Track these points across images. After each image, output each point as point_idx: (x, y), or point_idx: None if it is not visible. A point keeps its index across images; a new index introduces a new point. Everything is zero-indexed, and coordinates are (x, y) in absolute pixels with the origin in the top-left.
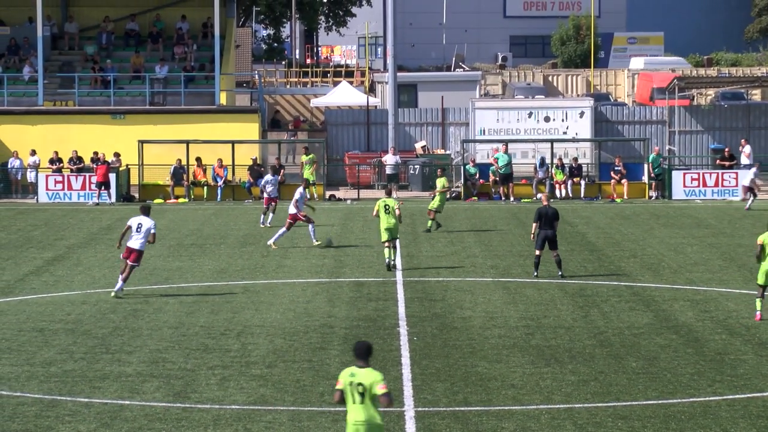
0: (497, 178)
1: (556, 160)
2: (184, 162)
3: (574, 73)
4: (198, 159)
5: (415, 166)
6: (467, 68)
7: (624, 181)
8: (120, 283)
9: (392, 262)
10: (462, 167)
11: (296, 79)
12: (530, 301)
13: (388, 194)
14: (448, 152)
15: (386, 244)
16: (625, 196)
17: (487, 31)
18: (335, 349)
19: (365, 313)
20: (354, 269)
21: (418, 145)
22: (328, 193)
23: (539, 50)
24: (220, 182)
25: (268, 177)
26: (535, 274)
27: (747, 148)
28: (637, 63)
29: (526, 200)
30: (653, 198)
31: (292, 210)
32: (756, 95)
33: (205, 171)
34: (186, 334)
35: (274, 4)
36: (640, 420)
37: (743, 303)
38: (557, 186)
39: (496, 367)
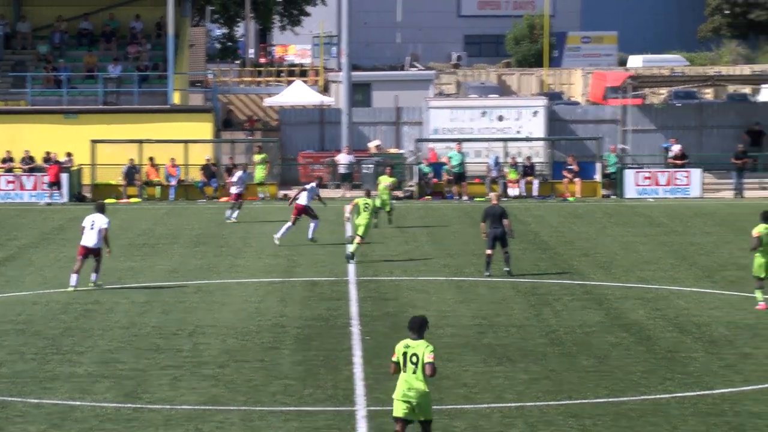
0: (451, 177)
1: (509, 159)
2: (137, 162)
3: (528, 72)
4: (151, 159)
5: (369, 166)
6: (421, 67)
7: (577, 179)
8: (74, 276)
9: (352, 255)
10: (416, 166)
11: (250, 79)
12: (483, 300)
13: (368, 195)
14: (402, 151)
15: (358, 240)
16: (578, 195)
17: (442, 30)
18: (287, 349)
19: (318, 313)
20: (307, 269)
21: (372, 144)
22: (281, 193)
23: (493, 49)
24: (173, 182)
25: (240, 173)
26: (487, 273)
27: (676, 147)
28: (635, 61)
29: (479, 199)
30: (606, 196)
31: (301, 201)
32: (708, 94)
33: (158, 170)
34: (138, 334)
35: (228, 3)
36: (591, 418)
37: (694, 301)
38: (510, 185)
39: (448, 366)
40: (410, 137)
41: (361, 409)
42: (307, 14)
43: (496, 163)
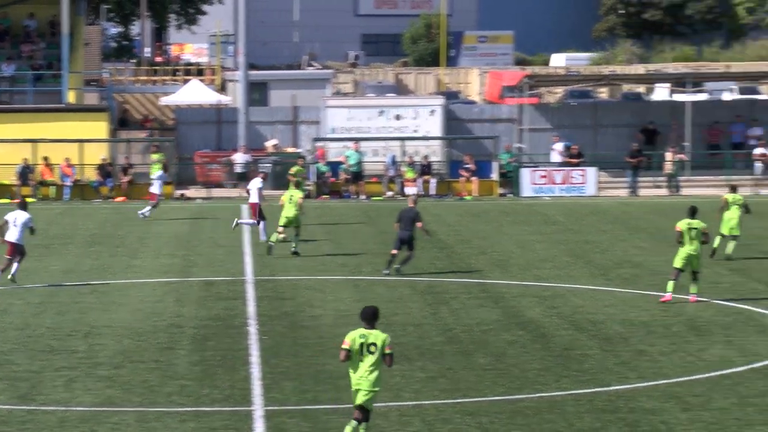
0: (348, 176)
1: (406, 158)
2: (31, 161)
3: (425, 71)
4: (45, 158)
5: (266, 165)
6: (319, 66)
7: (474, 178)
8: (14, 266)
9: (272, 245)
10: (313, 166)
11: (146, 78)
12: (380, 299)
13: (297, 186)
14: (299, 151)
15: (280, 230)
16: (475, 194)
17: (339, 29)
18: (184, 349)
19: (215, 313)
20: (204, 269)
21: (269, 144)
22: (178, 192)
23: (390, 49)
24: (68, 181)
25: (160, 172)
26: (386, 271)
27: (559, 146)
28: (557, 60)
29: (376, 198)
30: (503, 195)
31: (254, 200)
32: (603, 93)
33: (52, 170)
34: (32, 335)
35: (123, 2)
36: (487, 416)
37: (590, 299)
38: (407, 184)
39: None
40: (308, 136)
41: (258, 409)
42: (204, 13)
43: (393, 162)
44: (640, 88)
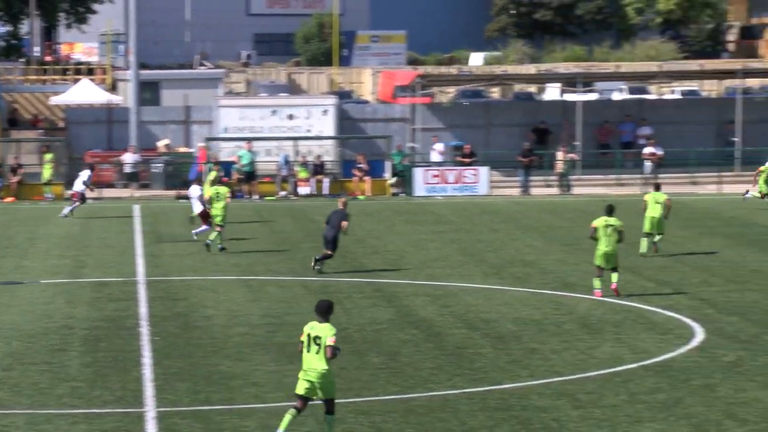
0: (241, 176)
1: (299, 158)
2: None
3: (317, 71)
4: None
5: (158, 165)
6: (211, 66)
7: (367, 178)
8: None
9: (215, 244)
10: (205, 165)
11: (35, 77)
12: (273, 299)
13: (222, 183)
14: (191, 150)
15: (217, 228)
16: (368, 193)
17: (231, 28)
18: (75, 351)
19: (106, 314)
20: (95, 269)
21: (161, 144)
22: (68, 192)
23: (283, 48)
24: None
25: (88, 172)
26: (318, 267)
27: (439, 146)
28: (476, 59)
29: (269, 198)
30: (396, 195)
31: (198, 209)
32: (495, 93)
33: None
34: None
35: (12, 0)
36: (380, 414)
37: (482, 297)
38: (301, 184)
39: (238, 366)
40: (200, 136)
41: (150, 410)
42: (94, 12)
43: (286, 162)
44: (532, 88)
